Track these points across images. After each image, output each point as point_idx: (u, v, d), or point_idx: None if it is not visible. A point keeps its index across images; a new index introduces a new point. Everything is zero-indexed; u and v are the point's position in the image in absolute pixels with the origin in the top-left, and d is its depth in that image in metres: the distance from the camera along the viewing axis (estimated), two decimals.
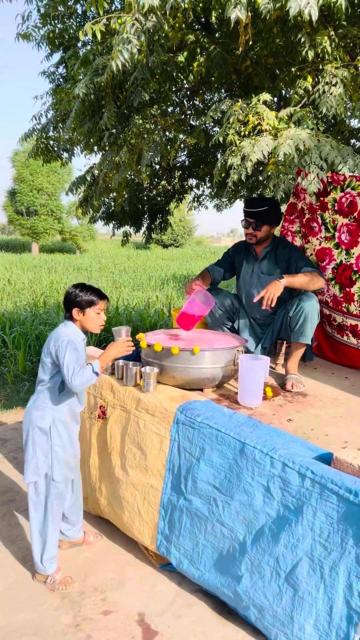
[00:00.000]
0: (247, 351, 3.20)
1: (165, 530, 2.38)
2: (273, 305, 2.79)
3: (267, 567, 1.99)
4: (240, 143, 2.25)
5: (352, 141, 4.26)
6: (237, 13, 1.85)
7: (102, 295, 2.38)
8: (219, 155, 4.50)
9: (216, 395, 2.70)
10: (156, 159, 2.91)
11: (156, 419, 2.43)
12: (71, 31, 3.57)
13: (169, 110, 3.41)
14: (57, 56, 3.85)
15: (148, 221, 4.96)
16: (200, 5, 2.34)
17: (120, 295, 11.29)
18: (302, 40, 2.20)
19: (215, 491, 2.18)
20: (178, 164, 4.49)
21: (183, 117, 3.14)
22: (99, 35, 2.22)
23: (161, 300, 10.85)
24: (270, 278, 3.10)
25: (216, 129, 4.49)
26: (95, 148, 3.43)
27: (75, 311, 2.34)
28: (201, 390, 2.71)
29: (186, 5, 1.90)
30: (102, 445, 2.72)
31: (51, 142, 3.68)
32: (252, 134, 2.28)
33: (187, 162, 4.49)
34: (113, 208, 4.63)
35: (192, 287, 3.04)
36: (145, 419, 2.47)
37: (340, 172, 2.24)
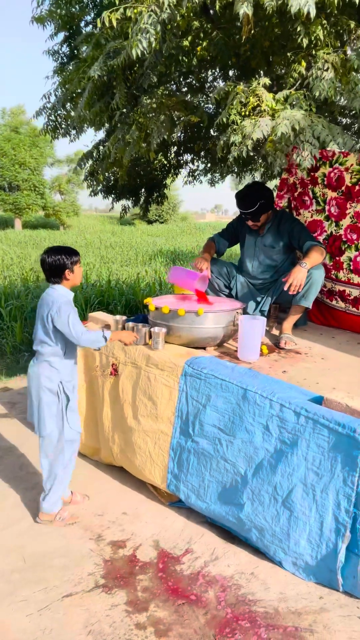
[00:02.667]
0: (246, 314, 3.49)
1: (175, 469, 2.68)
2: (301, 290, 3.07)
3: (266, 494, 2.31)
4: (241, 122, 2.49)
5: (342, 119, 4.51)
6: (245, 9, 2.08)
7: (76, 250, 2.57)
8: (211, 132, 4.71)
9: (218, 353, 2.99)
10: (164, 137, 3.14)
11: (165, 373, 2.72)
12: (74, 10, 3.72)
13: (172, 89, 3.62)
14: (60, 35, 4.00)
15: (145, 195, 5.18)
16: None
17: (111, 271, 11.48)
18: (299, 29, 2.43)
19: (220, 432, 2.49)
20: (174, 140, 4.70)
21: (188, 97, 3.36)
22: (114, 23, 2.41)
23: (150, 275, 11.07)
24: (273, 250, 3.39)
25: (209, 105, 4.69)
26: (106, 125, 3.63)
27: (67, 273, 2.50)
28: (204, 348, 2.99)
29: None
30: (114, 399, 3.00)
31: (59, 120, 3.86)
32: (251, 114, 2.52)
33: (181, 138, 4.70)
34: (112, 182, 4.84)
35: (202, 268, 3.35)
36: (155, 373, 2.75)
37: (330, 149, 2.50)
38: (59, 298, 2.45)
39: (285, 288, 3.04)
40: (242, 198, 3.33)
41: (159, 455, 2.75)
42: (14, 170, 32.30)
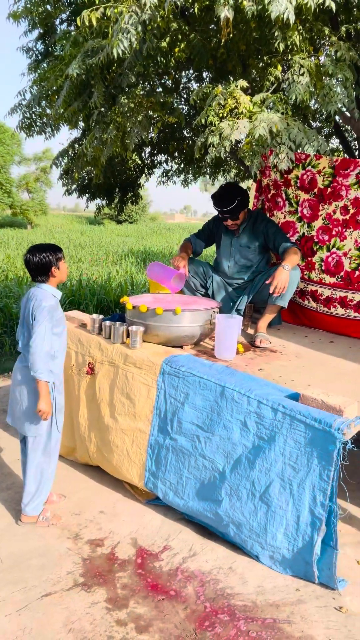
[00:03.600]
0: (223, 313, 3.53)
1: (152, 467, 2.70)
2: (284, 292, 3.15)
3: (244, 489, 2.35)
4: (219, 124, 2.53)
5: (313, 123, 4.62)
6: (226, 12, 2.12)
7: (59, 247, 2.57)
8: (185, 133, 4.75)
9: (194, 352, 3.01)
10: (142, 136, 3.16)
11: (143, 371, 2.73)
12: (48, 7, 3.69)
13: (148, 89, 3.65)
14: (35, 32, 3.97)
15: (120, 194, 5.19)
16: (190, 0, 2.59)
17: (81, 270, 11.38)
18: (276, 34, 2.49)
19: (198, 429, 2.52)
20: (149, 140, 4.72)
21: (166, 98, 3.39)
22: (94, 22, 2.42)
23: (121, 274, 11.03)
24: (248, 250, 3.46)
25: (182, 106, 4.73)
26: (81, 124, 3.61)
27: (53, 270, 2.50)
28: (181, 347, 3.01)
29: (180, 2, 2.15)
30: (91, 398, 2.99)
31: (33, 117, 3.83)
32: (229, 115, 2.57)
33: (157, 138, 4.72)
34: (87, 181, 4.83)
35: (179, 266, 3.40)
36: (133, 372, 2.76)
37: (306, 152, 2.56)
38: (43, 301, 2.43)
39: (271, 291, 3.11)
40: (220, 197, 3.38)
41: (137, 453, 2.76)
42: None
